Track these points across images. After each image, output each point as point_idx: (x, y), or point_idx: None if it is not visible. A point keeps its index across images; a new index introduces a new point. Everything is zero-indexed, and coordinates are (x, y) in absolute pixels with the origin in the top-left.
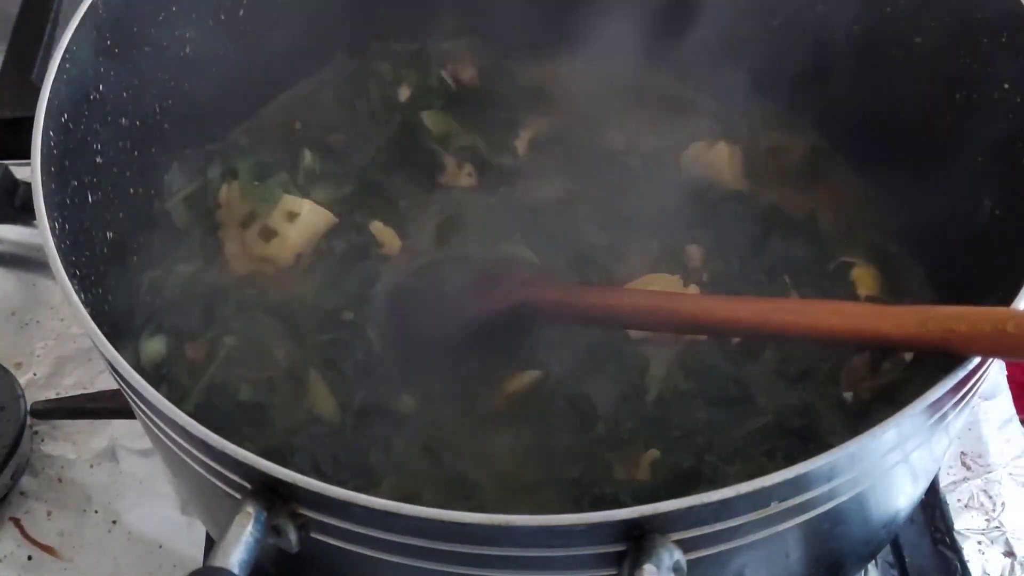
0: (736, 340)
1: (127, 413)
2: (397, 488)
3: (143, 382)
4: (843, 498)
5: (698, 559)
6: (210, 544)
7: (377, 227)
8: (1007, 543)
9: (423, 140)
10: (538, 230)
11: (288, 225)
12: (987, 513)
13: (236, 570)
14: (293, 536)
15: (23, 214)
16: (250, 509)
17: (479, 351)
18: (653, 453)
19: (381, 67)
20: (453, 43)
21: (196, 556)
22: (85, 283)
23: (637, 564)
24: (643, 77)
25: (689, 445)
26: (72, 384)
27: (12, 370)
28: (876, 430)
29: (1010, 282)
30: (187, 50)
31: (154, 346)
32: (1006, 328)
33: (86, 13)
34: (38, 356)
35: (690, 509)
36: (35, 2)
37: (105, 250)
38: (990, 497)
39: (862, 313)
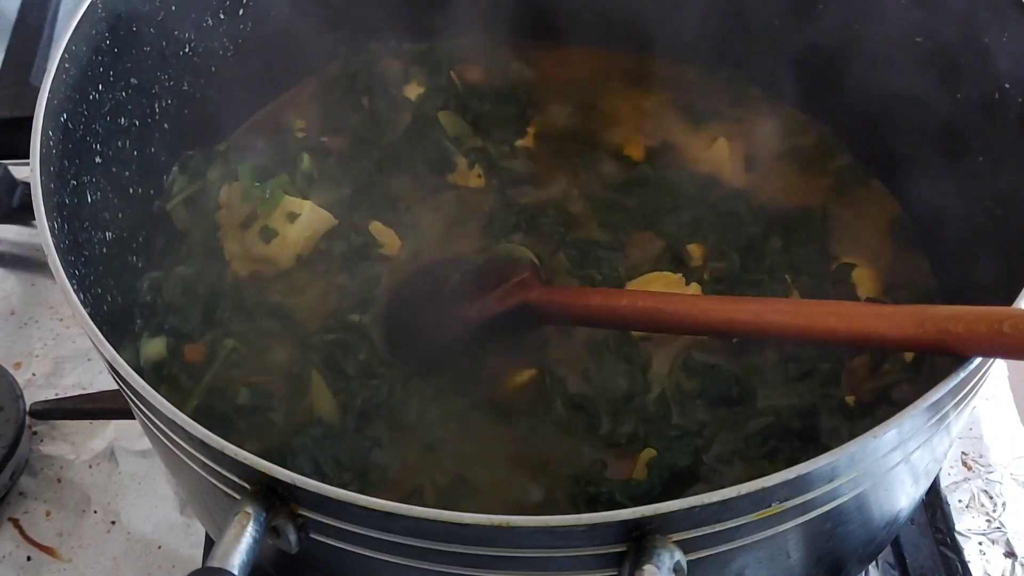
0: (736, 340)
1: (126, 414)
2: (398, 488)
3: (143, 383)
4: (844, 499)
5: (699, 559)
6: (209, 545)
7: (377, 227)
8: (1008, 543)
9: (437, 139)
10: (540, 229)
11: (289, 226)
12: (988, 514)
13: (235, 571)
14: (292, 537)
15: (22, 214)
16: (249, 510)
17: (480, 351)
18: (650, 452)
19: (389, 66)
20: (459, 42)
21: (195, 556)
22: (84, 283)
23: (637, 564)
24: (646, 75)
25: (687, 445)
26: (71, 384)
27: (11, 370)
28: (877, 430)
29: (1010, 282)
30: (187, 50)
31: (154, 347)
32: (1003, 328)
33: (86, 13)
34: (37, 356)
35: (691, 510)
36: (35, 2)
37: (105, 250)
38: (991, 498)
39: (860, 314)
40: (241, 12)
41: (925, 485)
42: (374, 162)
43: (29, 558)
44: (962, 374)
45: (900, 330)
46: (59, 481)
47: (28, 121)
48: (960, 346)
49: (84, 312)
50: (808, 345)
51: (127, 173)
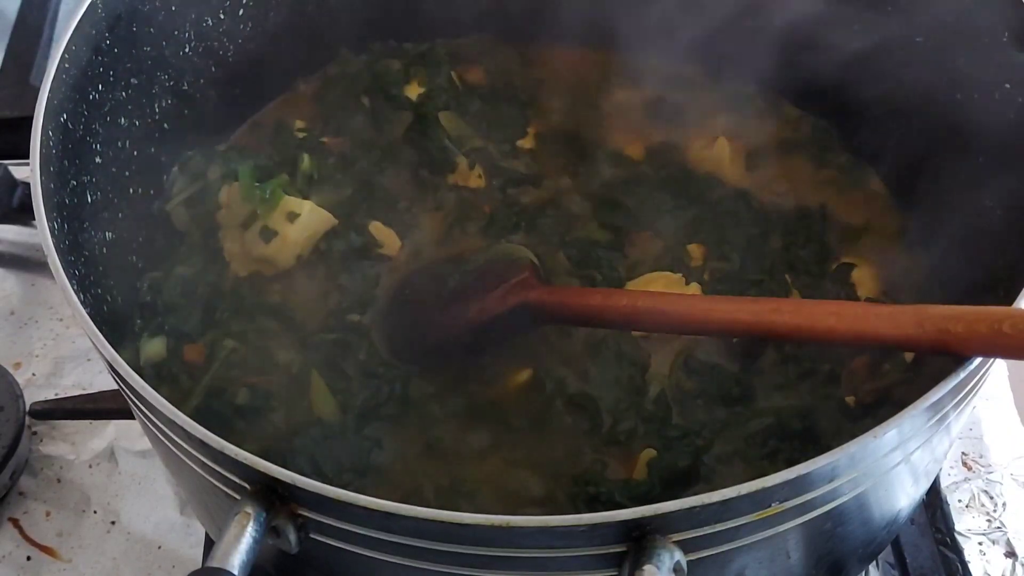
0: (736, 340)
1: (126, 414)
2: (398, 488)
3: (143, 383)
4: (844, 499)
5: (699, 560)
6: (209, 545)
7: (377, 227)
8: (1008, 544)
9: (438, 139)
10: (540, 229)
11: (288, 226)
12: (988, 514)
13: (235, 571)
14: (292, 537)
15: (22, 214)
16: (249, 510)
17: (480, 351)
18: (650, 452)
19: (390, 66)
20: (459, 42)
21: (195, 557)
22: (84, 283)
23: (637, 565)
24: (646, 75)
25: (687, 445)
26: (71, 384)
27: (11, 370)
28: (877, 430)
29: (1010, 282)
30: (187, 50)
31: (154, 347)
32: (1002, 328)
33: (85, 13)
34: (37, 356)
35: (691, 510)
36: (35, 2)
37: (104, 250)
38: (991, 498)
39: (859, 314)
40: (241, 12)
41: (925, 485)
42: (374, 162)
43: (29, 558)
44: (962, 374)
45: (900, 330)
46: (59, 481)
47: (28, 121)
48: (960, 346)
49: (84, 312)
50: (808, 345)
51: (127, 173)
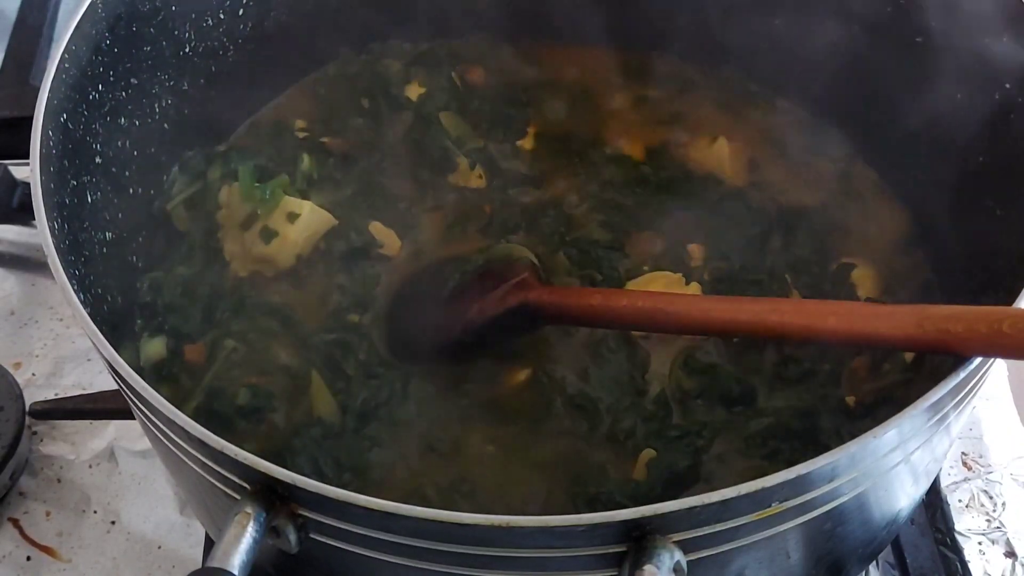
0: (736, 340)
1: (126, 414)
2: (398, 489)
3: (143, 383)
4: (844, 498)
5: (699, 560)
6: (209, 545)
7: (377, 228)
8: (1008, 543)
9: (438, 139)
10: (540, 229)
11: (289, 226)
12: (988, 514)
13: (235, 571)
14: (292, 537)
15: (22, 214)
16: (249, 510)
17: (479, 352)
18: (650, 452)
19: (390, 66)
20: (460, 42)
21: (195, 557)
22: (84, 283)
23: (637, 565)
24: (646, 74)
25: (687, 445)
26: (71, 384)
27: (11, 370)
28: (877, 430)
29: (1010, 282)
30: (187, 50)
31: (154, 347)
32: (1002, 328)
33: (85, 13)
34: (37, 356)
35: (691, 510)
36: (35, 2)
37: (104, 250)
38: (991, 498)
39: (859, 314)
40: (241, 12)
41: (925, 485)
42: (374, 162)
43: (29, 558)
44: (962, 374)
45: (900, 330)
46: (59, 481)
47: (28, 121)
48: (960, 346)
49: (84, 312)
50: (808, 345)
51: (127, 173)
